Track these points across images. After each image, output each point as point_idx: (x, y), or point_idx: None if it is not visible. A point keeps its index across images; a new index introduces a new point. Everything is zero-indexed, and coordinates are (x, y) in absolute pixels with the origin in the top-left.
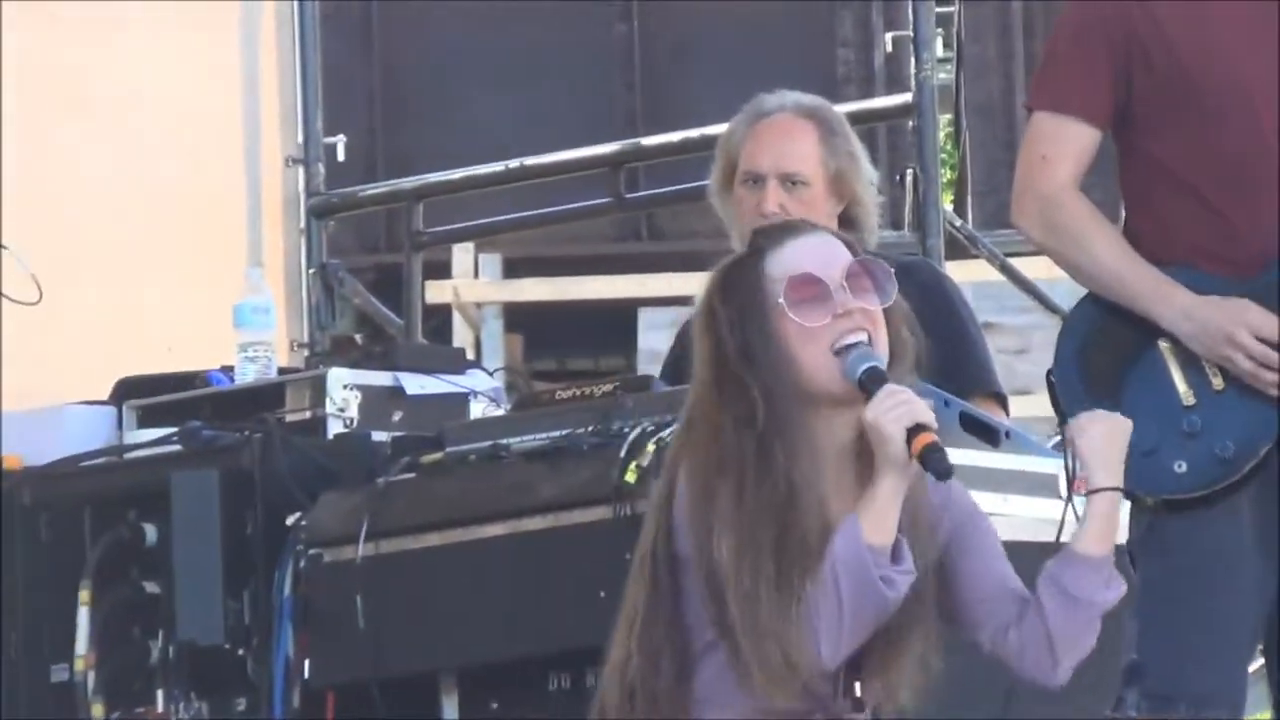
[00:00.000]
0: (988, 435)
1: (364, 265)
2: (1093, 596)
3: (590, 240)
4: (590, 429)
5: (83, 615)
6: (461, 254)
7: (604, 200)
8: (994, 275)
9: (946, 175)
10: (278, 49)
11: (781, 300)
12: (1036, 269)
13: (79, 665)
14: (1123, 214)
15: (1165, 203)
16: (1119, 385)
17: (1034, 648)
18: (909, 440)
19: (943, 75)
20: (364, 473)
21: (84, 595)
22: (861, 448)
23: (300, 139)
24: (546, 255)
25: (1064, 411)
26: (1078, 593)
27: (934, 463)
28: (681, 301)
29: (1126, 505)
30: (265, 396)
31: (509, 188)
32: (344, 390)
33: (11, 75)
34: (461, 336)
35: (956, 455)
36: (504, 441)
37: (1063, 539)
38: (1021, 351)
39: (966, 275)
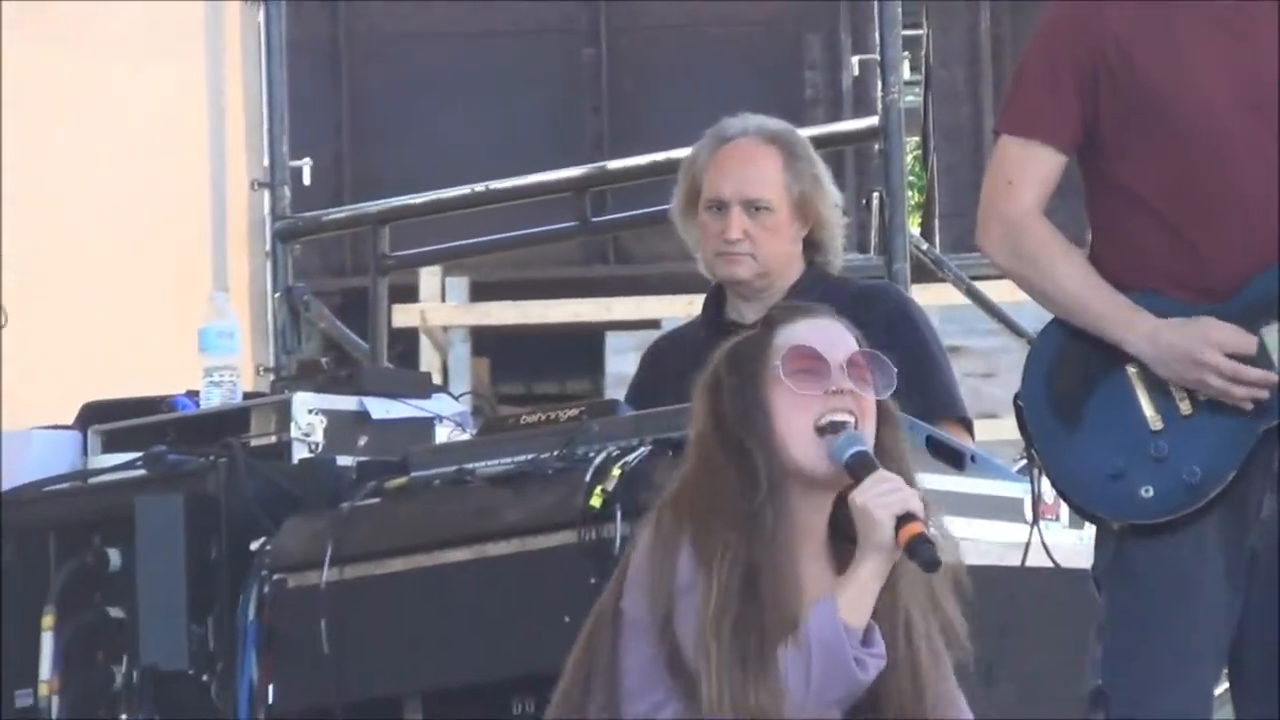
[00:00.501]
0: (953, 460)
1: (330, 289)
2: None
3: (557, 264)
4: (555, 453)
5: (47, 640)
6: (429, 278)
7: (570, 224)
8: (960, 299)
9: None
10: (244, 72)
11: (778, 364)
12: (1003, 292)
13: (43, 690)
14: (1088, 238)
15: (1131, 228)
16: (1086, 409)
17: None
18: (897, 529)
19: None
20: (329, 498)
21: (48, 620)
22: (832, 533)
23: (266, 162)
24: (514, 279)
25: (1031, 436)
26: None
27: (921, 554)
28: (649, 325)
29: (1091, 529)
30: (230, 421)
31: (475, 211)
32: (309, 415)
33: None
34: (428, 360)
35: (921, 481)
36: (469, 466)
37: (1028, 563)
38: (989, 375)
39: (933, 299)
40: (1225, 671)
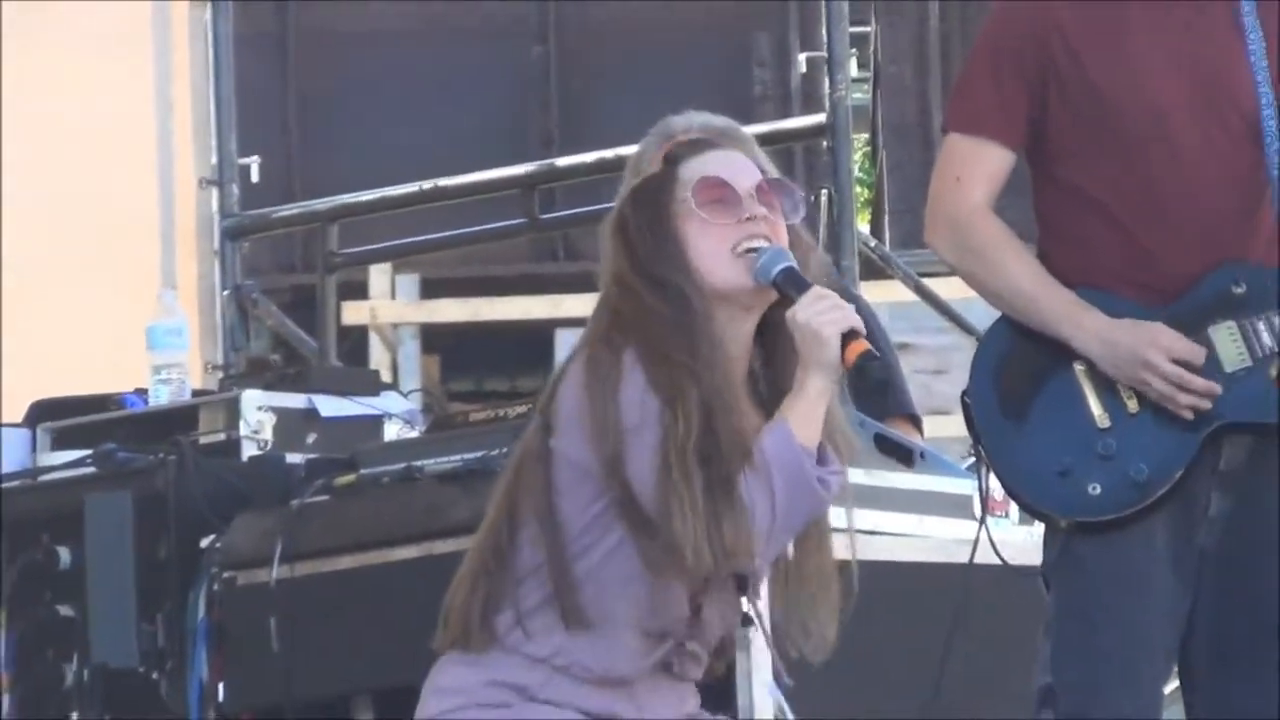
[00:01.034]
0: (903, 456)
1: (280, 286)
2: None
3: (507, 261)
4: (504, 450)
5: None
6: (379, 275)
7: (519, 221)
8: (909, 296)
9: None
10: (191, 70)
11: (689, 197)
12: (952, 289)
13: None
14: (1037, 235)
15: (1080, 226)
16: (1033, 407)
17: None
18: (843, 346)
19: (859, 95)
20: (278, 495)
21: None
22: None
23: (214, 160)
24: (464, 276)
25: (978, 432)
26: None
27: (872, 370)
28: None
29: (1040, 527)
30: (179, 419)
31: (425, 209)
32: (258, 412)
33: None
34: (378, 357)
35: (870, 477)
36: (418, 464)
37: (976, 560)
38: (939, 372)
39: (882, 295)
40: (1175, 670)
